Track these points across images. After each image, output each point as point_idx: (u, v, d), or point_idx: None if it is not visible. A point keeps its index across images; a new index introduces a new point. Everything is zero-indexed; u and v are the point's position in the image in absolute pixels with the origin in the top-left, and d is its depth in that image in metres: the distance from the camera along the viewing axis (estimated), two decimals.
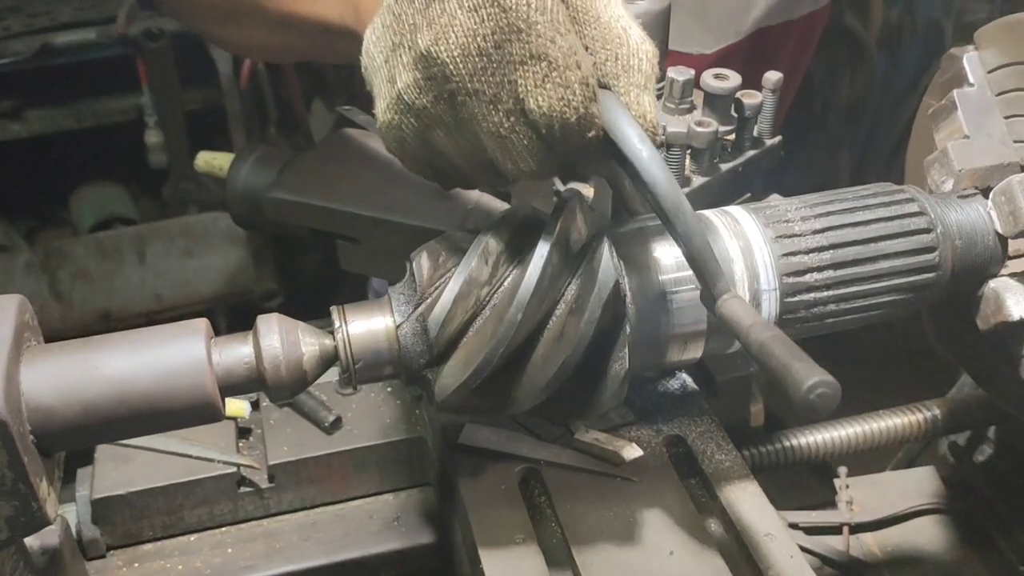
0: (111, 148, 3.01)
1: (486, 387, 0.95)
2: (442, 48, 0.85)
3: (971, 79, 1.17)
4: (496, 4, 0.83)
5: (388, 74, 0.91)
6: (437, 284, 0.96)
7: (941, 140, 1.17)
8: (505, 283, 0.94)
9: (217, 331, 0.97)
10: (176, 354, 0.91)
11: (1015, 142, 1.14)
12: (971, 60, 1.18)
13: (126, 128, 2.95)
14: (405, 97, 0.90)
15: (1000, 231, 1.06)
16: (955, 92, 1.17)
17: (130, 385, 0.89)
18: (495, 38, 0.83)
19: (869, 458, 1.68)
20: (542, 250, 0.92)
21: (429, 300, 0.95)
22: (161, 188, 3.06)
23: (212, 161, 1.59)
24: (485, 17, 0.83)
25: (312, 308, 1.23)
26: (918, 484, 1.70)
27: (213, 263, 2.98)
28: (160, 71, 2.77)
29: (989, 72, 1.17)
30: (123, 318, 2.91)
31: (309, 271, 3.16)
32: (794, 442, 1.55)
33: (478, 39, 0.84)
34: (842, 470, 1.71)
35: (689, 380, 1.30)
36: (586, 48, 0.89)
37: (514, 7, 0.83)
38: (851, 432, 1.58)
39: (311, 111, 3.16)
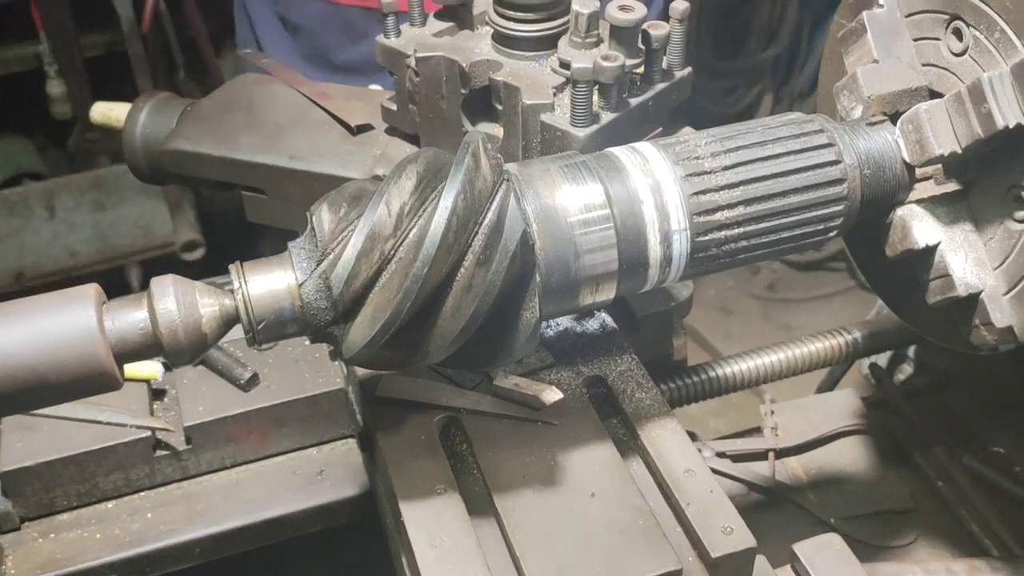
0: (13, 100, 2.89)
1: (396, 341, 0.92)
2: None
3: (881, 0, 1.15)
4: None
5: None
6: (339, 238, 0.92)
7: (851, 64, 1.16)
8: (410, 235, 0.91)
9: (139, 288, 0.92)
10: (64, 323, 0.87)
11: (923, 65, 1.14)
12: None
13: (27, 78, 2.83)
14: None
15: (907, 160, 1.06)
16: (865, 14, 1.15)
17: (16, 359, 0.85)
18: None
19: (795, 383, 1.70)
20: (446, 201, 0.89)
21: (332, 256, 0.92)
22: (67, 140, 2.95)
23: (109, 113, 1.51)
24: None
25: (239, 259, 1.18)
26: (840, 406, 1.73)
27: (128, 215, 2.88)
28: (55, 16, 2.65)
29: None
30: (37, 276, 2.82)
31: (233, 219, 3.08)
32: (717, 372, 1.56)
33: None
34: (767, 398, 1.74)
35: (608, 319, 1.29)
36: None
37: None
38: (773, 359, 1.59)
39: (222, 55, 3.04)
